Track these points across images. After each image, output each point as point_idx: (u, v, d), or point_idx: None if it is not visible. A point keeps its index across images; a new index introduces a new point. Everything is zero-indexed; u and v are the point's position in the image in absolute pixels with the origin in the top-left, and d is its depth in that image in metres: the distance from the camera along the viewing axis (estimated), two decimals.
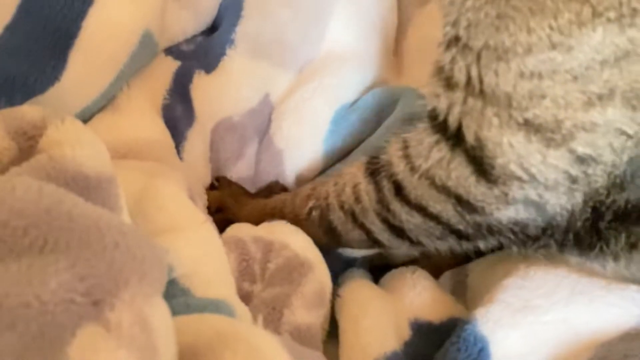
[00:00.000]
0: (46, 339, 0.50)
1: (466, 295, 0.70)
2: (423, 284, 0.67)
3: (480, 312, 0.59)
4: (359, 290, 0.69)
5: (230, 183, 0.81)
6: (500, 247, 0.67)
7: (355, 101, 0.82)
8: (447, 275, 0.73)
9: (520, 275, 0.62)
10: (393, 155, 0.66)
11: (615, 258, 0.62)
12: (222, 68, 0.81)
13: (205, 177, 0.81)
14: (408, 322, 0.63)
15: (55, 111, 0.58)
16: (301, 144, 0.80)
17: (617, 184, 0.60)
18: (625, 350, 0.55)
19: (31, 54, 0.71)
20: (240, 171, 0.81)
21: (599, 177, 0.60)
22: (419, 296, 0.66)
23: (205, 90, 0.80)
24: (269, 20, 0.82)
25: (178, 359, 0.57)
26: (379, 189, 0.66)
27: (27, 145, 0.56)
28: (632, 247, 0.61)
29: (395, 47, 0.91)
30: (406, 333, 0.63)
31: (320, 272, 0.68)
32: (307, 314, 0.67)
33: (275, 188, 0.80)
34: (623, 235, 0.61)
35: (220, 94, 0.80)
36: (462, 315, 0.64)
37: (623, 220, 0.61)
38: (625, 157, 0.59)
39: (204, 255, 0.63)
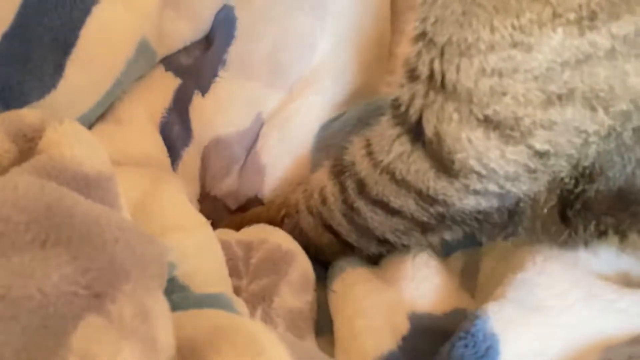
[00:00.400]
0: (49, 331, 0.52)
1: (477, 279, 0.70)
2: (424, 272, 0.66)
3: (492, 308, 0.59)
4: (353, 285, 0.70)
5: (214, 199, 0.83)
6: (473, 238, 0.68)
7: (342, 115, 0.84)
8: (458, 255, 0.73)
9: (537, 271, 0.62)
10: (356, 154, 0.68)
11: (586, 245, 0.63)
12: (215, 90, 0.83)
13: (196, 194, 0.83)
14: (407, 315, 0.63)
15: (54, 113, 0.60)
16: (285, 159, 0.81)
17: (587, 175, 0.62)
18: (630, 352, 0.56)
19: (29, 62, 0.73)
20: (226, 187, 0.83)
21: (562, 168, 0.62)
22: (418, 288, 0.65)
23: (201, 111, 0.83)
24: (261, 40, 0.84)
25: (177, 353, 0.58)
26: (343, 189, 0.68)
27: (27, 147, 0.58)
28: (601, 234, 0.62)
29: (389, 54, 0.92)
30: (405, 327, 0.62)
31: (302, 259, 0.71)
32: (297, 299, 0.69)
33: (254, 204, 0.82)
34: (593, 224, 0.63)
35: (214, 116, 0.82)
36: (467, 306, 0.64)
37: (593, 209, 0.62)
38: (592, 151, 0.61)
39: (203, 254, 0.65)
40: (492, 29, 0.59)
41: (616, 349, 0.56)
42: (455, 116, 0.61)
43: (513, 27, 0.58)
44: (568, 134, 0.61)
